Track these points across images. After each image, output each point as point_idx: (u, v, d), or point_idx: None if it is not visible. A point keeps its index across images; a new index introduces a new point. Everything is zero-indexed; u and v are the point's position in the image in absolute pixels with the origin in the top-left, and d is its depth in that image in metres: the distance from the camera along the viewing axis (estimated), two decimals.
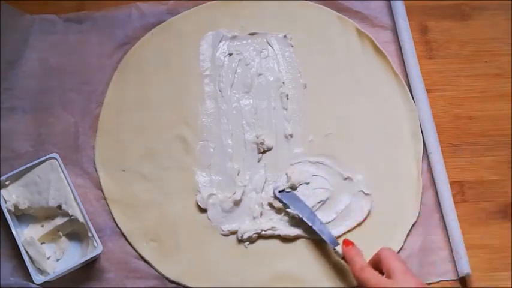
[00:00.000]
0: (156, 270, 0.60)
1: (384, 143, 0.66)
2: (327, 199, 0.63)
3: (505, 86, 0.71)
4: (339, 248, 0.57)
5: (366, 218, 0.62)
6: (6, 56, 0.70)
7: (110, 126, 0.67)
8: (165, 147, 0.66)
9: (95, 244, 0.58)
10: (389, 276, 0.51)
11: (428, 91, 0.69)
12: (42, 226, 0.61)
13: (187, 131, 0.67)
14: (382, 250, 0.54)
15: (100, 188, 0.64)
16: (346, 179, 0.64)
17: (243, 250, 0.61)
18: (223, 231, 0.62)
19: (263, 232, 0.61)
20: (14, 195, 0.60)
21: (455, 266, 0.60)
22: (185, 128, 0.67)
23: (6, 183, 0.61)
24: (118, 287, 0.59)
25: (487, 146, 0.67)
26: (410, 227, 0.62)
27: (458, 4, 0.76)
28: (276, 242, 0.61)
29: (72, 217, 0.59)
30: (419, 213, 0.63)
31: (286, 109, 0.68)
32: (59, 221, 0.60)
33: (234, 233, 0.61)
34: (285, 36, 0.72)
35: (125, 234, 0.62)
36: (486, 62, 0.72)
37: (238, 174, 0.64)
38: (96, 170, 0.65)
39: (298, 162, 0.65)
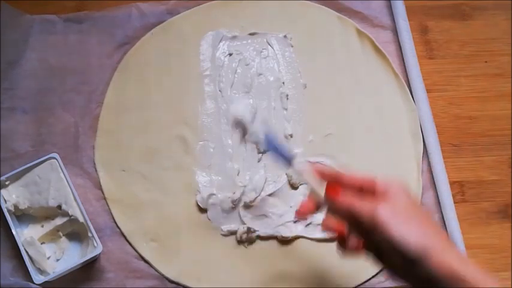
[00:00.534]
0: (156, 270, 0.60)
1: (384, 143, 0.66)
2: None
3: (505, 86, 0.71)
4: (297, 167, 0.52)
5: None
6: (6, 56, 0.69)
7: (110, 126, 0.67)
8: (165, 147, 0.66)
9: (95, 244, 0.58)
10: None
11: (428, 91, 0.69)
12: (42, 226, 0.61)
13: (187, 131, 0.67)
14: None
15: (100, 188, 0.64)
16: None
17: (242, 250, 0.61)
18: (223, 231, 0.62)
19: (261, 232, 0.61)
20: (14, 195, 0.60)
21: None
22: (185, 128, 0.67)
23: (6, 183, 0.61)
24: (118, 287, 0.59)
25: (487, 146, 0.67)
26: None
27: (458, 4, 0.76)
28: (276, 242, 0.61)
29: (72, 217, 0.59)
30: None
31: (286, 109, 0.68)
32: (59, 221, 0.60)
33: (234, 233, 0.61)
34: (285, 36, 0.72)
35: (125, 234, 0.62)
36: (486, 62, 0.72)
37: (238, 174, 0.64)
38: (96, 170, 0.65)
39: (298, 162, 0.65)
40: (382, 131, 0.67)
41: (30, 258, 0.58)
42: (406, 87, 0.69)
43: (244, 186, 0.63)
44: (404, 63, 0.71)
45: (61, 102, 0.68)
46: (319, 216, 0.61)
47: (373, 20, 0.74)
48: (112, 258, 0.61)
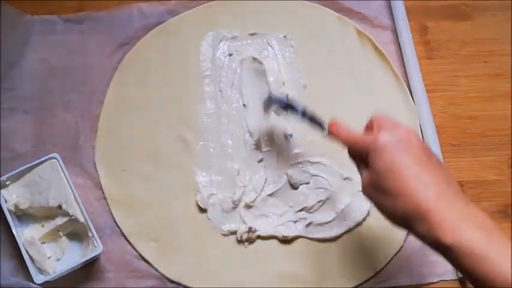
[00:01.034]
0: (156, 270, 0.60)
1: None
2: (327, 199, 0.63)
3: (505, 86, 0.71)
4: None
5: (365, 218, 0.62)
6: (6, 56, 0.70)
7: (110, 126, 0.67)
8: (165, 147, 0.66)
9: (95, 244, 0.58)
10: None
11: (428, 91, 0.69)
12: (43, 226, 0.61)
13: (187, 131, 0.67)
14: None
15: (100, 188, 0.64)
16: (346, 179, 0.64)
17: (243, 250, 0.61)
18: (223, 231, 0.62)
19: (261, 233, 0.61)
20: (15, 195, 0.61)
21: None
22: (185, 128, 0.67)
23: (7, 183, 0.61)
24: (118, 287, 0.59)
25: (487, 146, 0.67)
26: None
27: (458, 4, 0.76)
28: (276, 242, 0.61)
29: (72, 217, 0.59)
30: None
31: None
32: (59, 220, 0.60)
33: (234, 233, 0.61)
34: (285, 37, 0.72)
35: (125, 234, 0.62)
36: (486, 62, 0.72)
37: (238, 174, 0.64)
38: (96, 170, 0.65)
39: (298, 163, 0.65)
40: None
41: (31, 258, 0.58)
42: (406, 87, 0.69)
43: (244, 186, 0.63)
44: (404, 63, 0.71)
45: (61, 102, 0.68)
46: (319, 216, 0.62)
47: (373, 20, 0.74)
48: (112, 258, 0.61)
